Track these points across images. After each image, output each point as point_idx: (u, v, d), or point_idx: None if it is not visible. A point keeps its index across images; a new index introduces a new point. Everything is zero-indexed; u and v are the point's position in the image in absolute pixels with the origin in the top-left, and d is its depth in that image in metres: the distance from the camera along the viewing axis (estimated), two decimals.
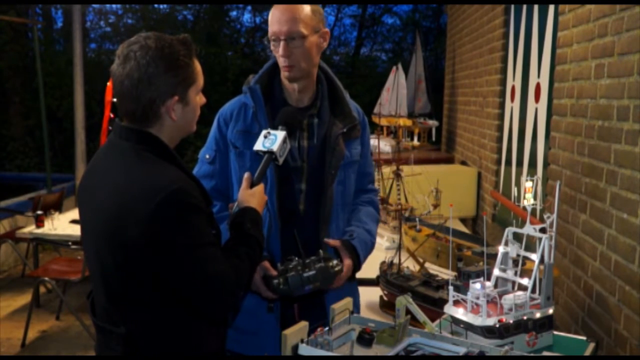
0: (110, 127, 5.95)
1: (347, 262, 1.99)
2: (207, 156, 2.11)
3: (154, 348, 1.61)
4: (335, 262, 1.89)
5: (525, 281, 1.85)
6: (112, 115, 6.01)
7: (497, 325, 1.71)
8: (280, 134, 1.86)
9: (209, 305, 1.61)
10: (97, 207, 1.60)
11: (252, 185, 1.84)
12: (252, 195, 1.81)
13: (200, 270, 1.55)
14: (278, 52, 1.99)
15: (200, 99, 1.71)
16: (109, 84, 6.16)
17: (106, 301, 1.62)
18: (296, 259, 1.88)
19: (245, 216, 1.76)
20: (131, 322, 1.58)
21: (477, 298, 1.74)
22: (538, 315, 1.80)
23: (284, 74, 2.05)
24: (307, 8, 1.99)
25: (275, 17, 1.97)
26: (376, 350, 1.53)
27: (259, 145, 1.87)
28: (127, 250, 1.52)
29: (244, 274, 1.67)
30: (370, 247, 2.13)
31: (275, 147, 1.84)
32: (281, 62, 2.00)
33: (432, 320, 1.67)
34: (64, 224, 5.04)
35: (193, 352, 1.65)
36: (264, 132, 1.88)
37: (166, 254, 1.51)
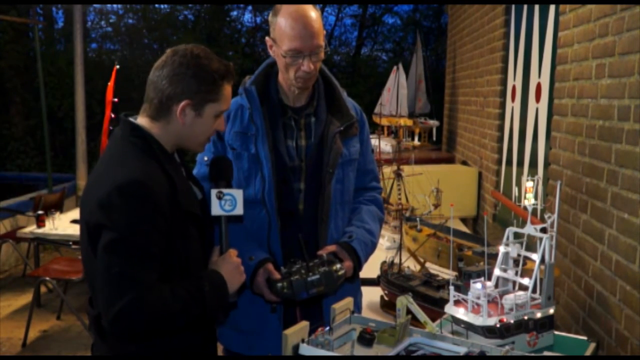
0: (111, 127, 5.96)
1: (347, 263, 1.98)
2: (206, 158, 2.10)
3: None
4: (338, 265, 1.89)
5: (526, 281, 1.84)
6: (113, 115, 6.02)
7: (498, 325, 1.70)
8: (238, 193, 1.75)
9: (103, 306, 1.49)
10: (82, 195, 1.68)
11: (221, 253, 1.77)
12: (222, 260, 1.74)
13: (107, 266, 1.47)
14: (299, 66, 1.93)
15: (219, 125, 1.72)
16: (110, 83, 6.17)
17: (87, 285, 1.67)
18: (299, 261, 1.88)
19: (208, 277, 1.67)
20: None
21: (478, 298, 1.74)
22: (539, 315, 1.79)
23: (296, 85, 2.00)
24: (319, 16, 1.93)
25: (296, 32, 1.88)
26: (377, 350, 1.53)
27: (217, 210, 1.73)
28: (85, 233, 1.57)
29: (159, 305, 1.50)
30: (371, 247, 2.12)
31: (241, 211, 1.75)
32: (301, 75, 1.95)
33: (433, 320, 1.67)
34: (64, 224, 5.05)
35: (166, 341, 1.64)
36: (214, 192, 1.73)
37: (99, 239, 1.50)
